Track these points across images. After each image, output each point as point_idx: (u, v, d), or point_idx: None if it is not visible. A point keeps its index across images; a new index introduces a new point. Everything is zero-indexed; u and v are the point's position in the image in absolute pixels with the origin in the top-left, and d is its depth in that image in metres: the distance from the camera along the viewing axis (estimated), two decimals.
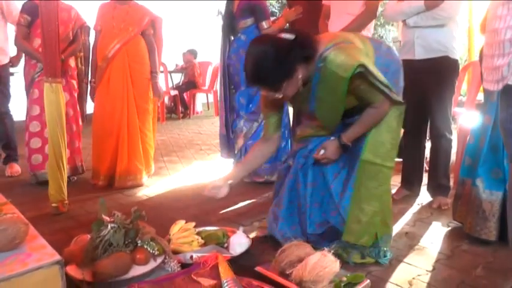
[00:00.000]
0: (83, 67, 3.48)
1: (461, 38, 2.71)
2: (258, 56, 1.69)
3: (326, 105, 1.86)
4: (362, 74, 1.71)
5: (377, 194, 1.88)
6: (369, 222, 1.86)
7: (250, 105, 3.24)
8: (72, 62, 3.36)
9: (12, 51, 3.64)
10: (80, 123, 3.45)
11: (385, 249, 1.91)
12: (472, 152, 2.12)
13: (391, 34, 8.92)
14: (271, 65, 1.66)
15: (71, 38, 3.30)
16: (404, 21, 2.54)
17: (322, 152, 1.94)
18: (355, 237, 1.87)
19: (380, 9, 2.94)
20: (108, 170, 3.22)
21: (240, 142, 3.32)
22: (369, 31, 2.90)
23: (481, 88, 3.07)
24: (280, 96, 1.78)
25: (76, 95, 3.40)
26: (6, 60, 3.58)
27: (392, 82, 1.88)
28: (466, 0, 2.56)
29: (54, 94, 2.50)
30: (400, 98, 1.88)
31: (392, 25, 8.53)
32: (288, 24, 3.55)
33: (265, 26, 3.13)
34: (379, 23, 8.37)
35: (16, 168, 3.63)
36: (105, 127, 3.21)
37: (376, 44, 1.98)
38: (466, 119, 3.08)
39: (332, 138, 1.94)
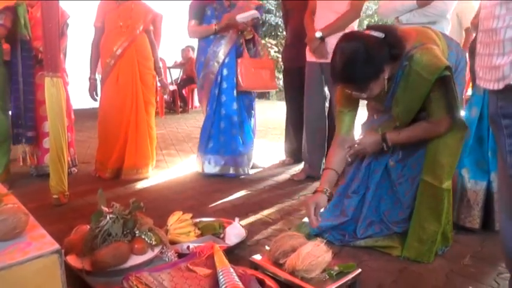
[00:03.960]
0: None
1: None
2: (348, 54, 1.62)
3: (403, 105, 1.79)
4: (445, 79, 1.67)
5: (436, 213, 1.83)
6: (431, 241, 1.83)
7: None
8: (62, 57, 3.37)
9: None
10: (72, 116, 3.47)
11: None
12: None
13: None
14: (361, 65, 1.61)
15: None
16: (397, 18, 2.58)
17: (361, 137, 1.91)
18: (415, 254, 1.85)
19: (374, 7, 2.97)
20: (115, 164, 3.26)
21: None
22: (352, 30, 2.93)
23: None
24: (365, 96, 1.74)
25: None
26: None
27: (461, 79, 1.88)
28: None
29: (55, 88, 2.53)
30: (464, 122, 1.84)
31: (386, 23, 8.53)
32: (283, 20, 3.55)
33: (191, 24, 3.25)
34: (373, 21, 8.37)
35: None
36: (114, 122, 3.24)
37: (448, 39, 1.91)
38: None
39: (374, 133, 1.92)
